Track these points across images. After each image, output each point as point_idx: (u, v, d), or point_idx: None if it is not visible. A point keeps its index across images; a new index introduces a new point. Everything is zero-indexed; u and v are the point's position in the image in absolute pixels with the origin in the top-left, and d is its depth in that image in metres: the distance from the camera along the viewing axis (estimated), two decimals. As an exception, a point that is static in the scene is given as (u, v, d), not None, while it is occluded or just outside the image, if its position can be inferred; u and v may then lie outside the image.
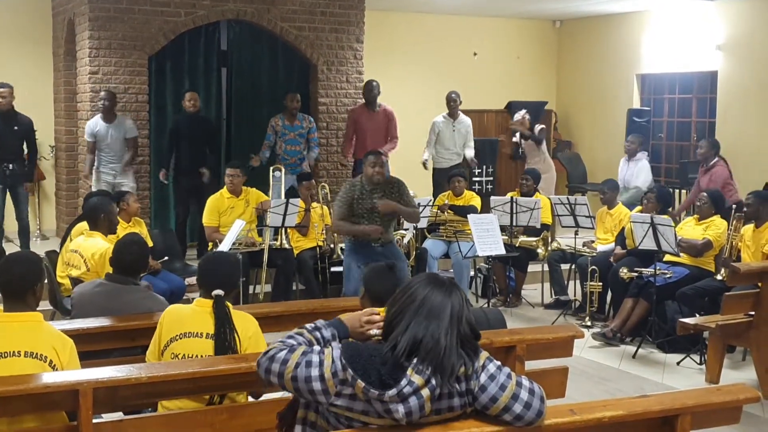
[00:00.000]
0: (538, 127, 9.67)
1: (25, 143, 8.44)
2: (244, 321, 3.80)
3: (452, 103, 9.47)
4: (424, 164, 9.56)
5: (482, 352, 2.68)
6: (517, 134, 9.84)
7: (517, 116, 9.71)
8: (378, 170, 6.48)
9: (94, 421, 3.28)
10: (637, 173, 9.16)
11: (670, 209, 7.76)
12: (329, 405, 2.56)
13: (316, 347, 2.62)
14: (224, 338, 3.66)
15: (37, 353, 3.31)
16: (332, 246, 7.89)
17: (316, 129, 9.24)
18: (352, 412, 2.56)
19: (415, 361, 2.52)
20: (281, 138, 8.97)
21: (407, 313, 2.58)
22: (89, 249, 5.66)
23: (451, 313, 2.58)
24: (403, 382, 2.49)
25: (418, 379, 2.50)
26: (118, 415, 3.72)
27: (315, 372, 2.52)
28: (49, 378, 3.23)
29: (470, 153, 9.60)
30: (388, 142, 9.19)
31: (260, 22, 9.44)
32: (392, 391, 2.48)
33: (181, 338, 3.70)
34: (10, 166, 8.28)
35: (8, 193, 8.42)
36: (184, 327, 3.72)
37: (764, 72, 10.13)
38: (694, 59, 11.00)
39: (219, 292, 3.73)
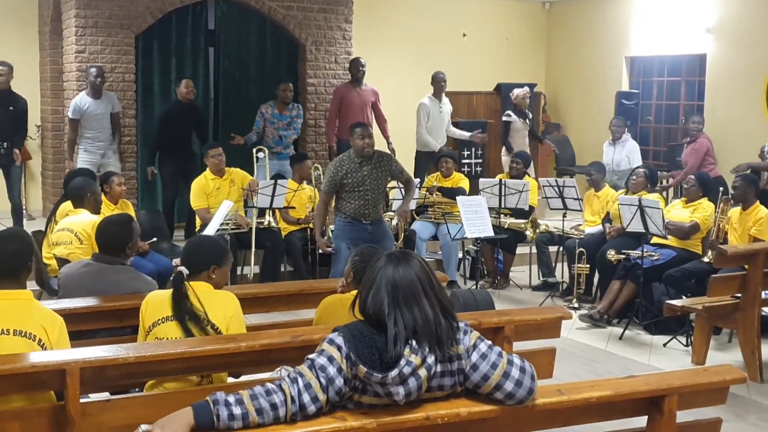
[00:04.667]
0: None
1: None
2: (224, 300, 3.75)
3: (442, 83, 9.36)
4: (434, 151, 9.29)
5: (473, 332, 2.69)
6: (510, 112, 9.70)
7: (521, 91, 9.60)
8: (368, 142, 6.32)
9: (82, 400, 3.26)
10: (630, 154, 9.08)
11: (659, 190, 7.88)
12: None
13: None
14: (182, 316, 3.58)
15: (26, 332, 3.29)
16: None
17: (302, 115, 9.23)
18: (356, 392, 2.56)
19: (413, 343, 2.53)
20: (270, 126, 8.94)
21: (385, 305, 2.56)
22: (79, 223, 5.66)
23: (423, 287, 2.60)
24: (402, 362, 2.50)
25: (415, 359, 2.52)
26: (105, 395, 3.71)
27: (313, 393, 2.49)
28: (37, 357, 3.21)
29: (460, 132, 9.56)
30: (383, 122, 9.33)
31: (248, 1, 9.35)
32: (393, 372, 2.49)
33: (162, 322, 3.65)
34: (5, 144, 8.23)
35: (2, 172, 8.42)
36: (164, 311, 3.66)
37: (753, 55, 10.15)
38: (683, 42, 11.01)
39: (181, 268, 3.70)
